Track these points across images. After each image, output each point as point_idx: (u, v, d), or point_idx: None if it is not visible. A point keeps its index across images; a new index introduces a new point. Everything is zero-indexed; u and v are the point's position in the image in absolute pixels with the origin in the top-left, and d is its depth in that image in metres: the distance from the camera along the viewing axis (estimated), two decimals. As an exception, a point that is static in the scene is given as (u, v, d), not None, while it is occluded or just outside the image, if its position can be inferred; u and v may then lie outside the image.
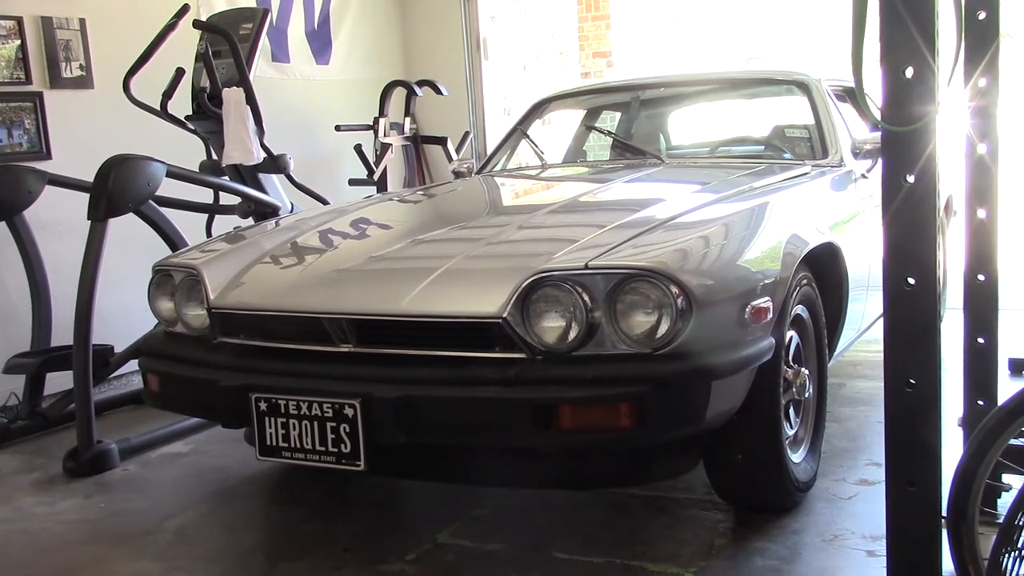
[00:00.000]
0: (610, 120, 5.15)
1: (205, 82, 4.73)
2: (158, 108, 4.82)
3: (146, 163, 4.10)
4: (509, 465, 2.74)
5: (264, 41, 5.02)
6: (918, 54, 1.64)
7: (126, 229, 4.20)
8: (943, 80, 1.70)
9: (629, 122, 4.66)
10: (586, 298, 2.43)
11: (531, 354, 2.46)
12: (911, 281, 1.69)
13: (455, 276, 2.67)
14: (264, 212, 4.70)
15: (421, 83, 6.58)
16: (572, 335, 2.44)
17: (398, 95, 6.59)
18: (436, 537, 2.94)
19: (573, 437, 2.42)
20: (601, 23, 10.52)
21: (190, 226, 4.56)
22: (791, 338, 2.95)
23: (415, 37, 7.31)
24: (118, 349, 4.36)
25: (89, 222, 3.96)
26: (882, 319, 1.78)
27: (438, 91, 6.56)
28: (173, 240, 4.31)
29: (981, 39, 2.46)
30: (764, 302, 2.61)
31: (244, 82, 4.62)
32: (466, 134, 6.84)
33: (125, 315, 4.60)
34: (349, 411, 2.53)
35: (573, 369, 2.42)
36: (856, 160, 3.82)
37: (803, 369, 3.01)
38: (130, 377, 4.93)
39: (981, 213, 2.63)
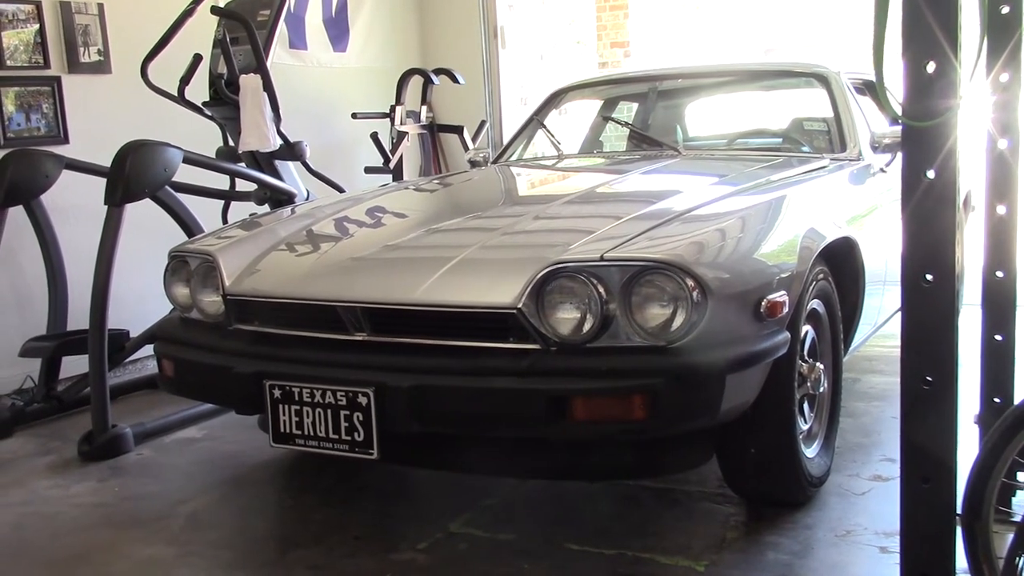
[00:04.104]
0: (627, 111, 5.13)
1: (222, 68, 4.74)
2: (175, 94, 4.83)
3: (163, 149, 4.11)
4: (522, 455, 2.74)
5: (282, 28, 5.03)
6: (939, 48, 1.63)
7: (142, 214, 4.21)
8: (965, 75, 1.68)
9: (646, 113, 4.64)
10: (601, 290, 2.42)
11: (545, 345, 2.46)
12: (929, 278, 1.68)
13: (470, 266, 2.67)
14: (280, 199, 4.71)
15: (438, 71, 6.57)
16: (587, 327, 2.43)
17: (415, 83, 6.58)
18: (448, 526, 2.94)
19: (586, 428, 2.42)
20: (619, 12, 10.47)
21: (206, 212, 4.57)
22: (806, 332, 2.94)
23: (432, 25, 7.30)
24: (133, 334, 4.38)
25: (106, 207, 3.98)
26: (899, 314, 1.77)
27: (455, 80, 6.55)
28: (189, 226, 4.32)
29: (1003, 33, 2.43)
30: (780, 296, 2.60)
31: (261, 69, 4.62)
32: (482, 123, 6.83)
33: (141, 300, 4.61)
34: (363, 399, 2.53)
35: (587, 361, 2.42)
36: (875, 154, 3.80)
37: (818, 364, 3.00)
38: (145, 362, 4.95)
39: (1001, 209, 2.61)
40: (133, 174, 3.97)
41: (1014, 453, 1.94)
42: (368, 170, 6.34)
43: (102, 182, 4.04)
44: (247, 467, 3.62)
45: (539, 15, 7.72)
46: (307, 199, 4.81)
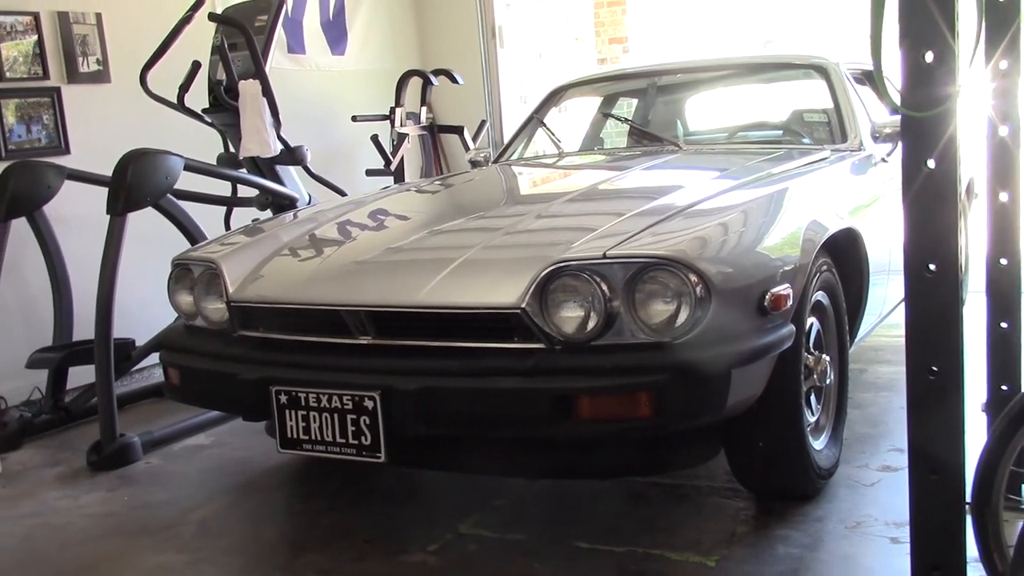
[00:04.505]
0: (627, 107, 5.13)
1: (221, 75, 4.74)
2: (175, 101, 4.83)
3: (164, 157, 4.11)
4: (529, 455, 2.74)
5: (280, 32, 5.03)
6: (937, 38, 1.62)
7: (145, 223, 4.21)
8: (963, 63, 1.67)
9: (646, 109, 4.64)
10: (604, 287, 2.41)
11: (550, 344, 2.46)
12: (932, 267, 1.67)
13: (473, 267, 2.67)
14: (282, 204, 4.71)
15: (437, 72, 6.57)
16: (591, 325, 2.43)
17: (414, 85, 6.58)
18: (457, 527, 2.94)
19: (592, 427, 2.42)
20: (617, 8, 10.45)
21: (208, 219, 4.57)
22: (811, 325, 2.93)
23: (430, 26, 7.29)
24: (139, 342, 4.38)
25: (108, 216, 3.98)
26: (904, 304, 1.76)
27: (454, 80, 6.54)
28: (192, 233, 4.32)
29: (1001, 21, 2.42)
30: (784, 289, 2.59)
31: (260, 74, 4.62)
32: (483, 123, 6.83)
33: (146, 308, 4.61)
34: (369, 403, 2.53)
35: (592, 359, 2.41)
36: (876, 144, 3.80)
37: (824, 356, 2.99)
38: (152, 370, 4.95)
39: (1003, 196, 2.60)
40: (135, 183, 3.97)
41: (1022, 441, 1.94)
42: (369, 172, 6.34)
43: (104, 192, 4.04)
44: (255, 473, 3.62)
45: (537, 13, 7.72)
46: (309, 203, 4.81)
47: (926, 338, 1.71)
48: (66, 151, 4.86)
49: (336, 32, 6.61)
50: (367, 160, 6.45)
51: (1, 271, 4.28)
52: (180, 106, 4.85)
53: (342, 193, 5.13)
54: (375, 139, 6.34)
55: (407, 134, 6.47)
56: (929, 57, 1.63)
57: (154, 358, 4.28)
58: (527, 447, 2.72)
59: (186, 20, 4.77)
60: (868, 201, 3.48)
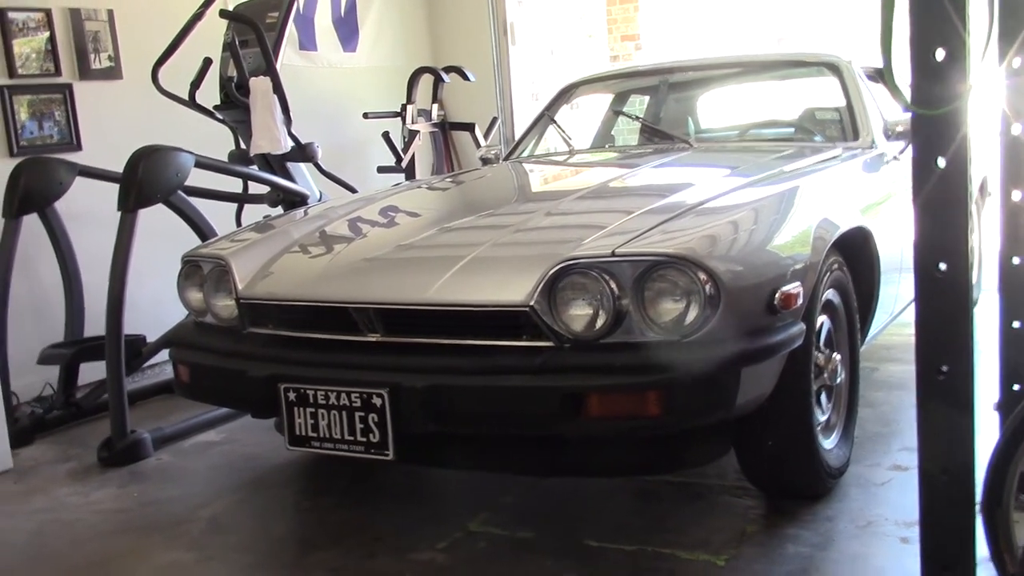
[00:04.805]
0: (638, 104, 5.11)
1: (233, 72, 4.75)
2: (186, 98, 4.84)
3: (175, 153, 4.12)
4: (538, 453, 2.72)
5: (291, 29, 5.03)
6: (949, 35, 1.60)
7: (156, 219, 4.22)
8: (975, 60, 1.66)
9: (657, 106, 4.63)
10: (613, 286, 2.41)
11: (559, 342, 2.45)
12: (942, 267, 1.66)
13: (482, 264, 2.66)
14: (293, 201, 4.71)
15: (448, 69, 6.57)
16: (600, 323, 2.42)
17: (425, 82, 6.58)
18: (466, 525, 2.94)
19: (601, 425, 2.41)
20: (629, 5, 10.43)
21: (219, 216, 4.58)
22: (822, 323, 2.92)
23: (442, 23, 7.29)
24: (150, 339, 4.39)
25: (119, 213, 3.99)
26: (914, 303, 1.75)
27: (465, 77, 6.54)
28: (202, 230, 4.33)
29: (1015, 18, 2.40)
30: (794, 288, 2.58)
31: (271, 71, 4.63)
32: (494, 120, 6.82)
33: (156, 305, 4.62)
34: (377, 400, 2.53)
35: (601, 357, 2.41)
36: (888, 142, 3.78)
37: (835, 354, 2.98)
38: (162, 367, 4.97)
39: (1016, 195, 2.57)
40: (146, 179, 3.98)
41: (1034, 441, 1.92)
42: (380, 169, 6.35)
43: (115, 188, 4.05)
44: (265, 470, 3.62)
45: (549, 10, 7.71)
46: (320, 200, 4.81)
47: (936, 339, 1.69)
48: (78, 147, 4.87)
49: (348, 29, 6.61)
50: (378, 157, 6.45)
51: (13, 267, 4.30)
52: (191, 103, 4.86)
53: (353, 190, 5.13)
54: (386, 136, 6.35)
55: (418, 131, 6.47)
56: (940, 54, 1.61)
57: (165, 354, 4.29)
58: (536, 445, 2.71)
59: (197, 17, 4.78)
60: (880, 199, 3.46)
